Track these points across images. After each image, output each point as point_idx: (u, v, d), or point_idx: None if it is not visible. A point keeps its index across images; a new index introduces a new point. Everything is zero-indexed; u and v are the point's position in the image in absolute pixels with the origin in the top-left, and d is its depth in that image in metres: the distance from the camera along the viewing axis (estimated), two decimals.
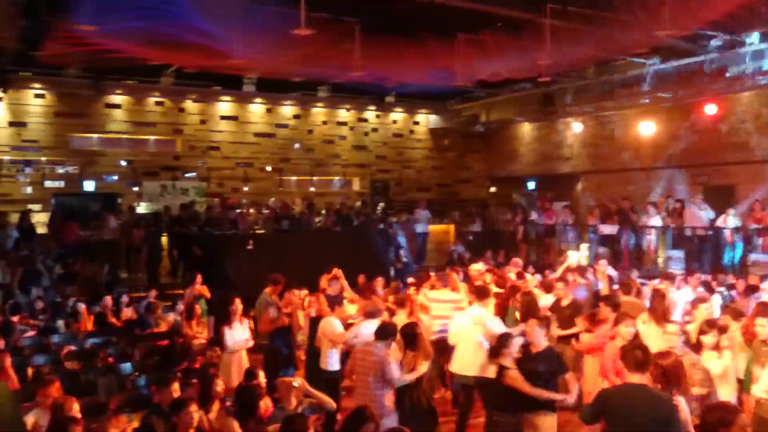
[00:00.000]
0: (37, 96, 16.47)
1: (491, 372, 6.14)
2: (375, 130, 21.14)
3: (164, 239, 14.74)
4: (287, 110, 19.73)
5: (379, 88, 17.51)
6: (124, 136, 17.61)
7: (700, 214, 14.23)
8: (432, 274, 9.89)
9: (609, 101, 16.36)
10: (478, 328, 6.99)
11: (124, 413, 5.76)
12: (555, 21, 10.65)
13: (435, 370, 8.56)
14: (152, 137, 18.04)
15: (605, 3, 10.23)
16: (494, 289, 8.92)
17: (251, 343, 8.26)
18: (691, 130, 16.30)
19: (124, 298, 11.44)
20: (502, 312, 8.42)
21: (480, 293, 7.43)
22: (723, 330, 6.31)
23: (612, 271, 11.41)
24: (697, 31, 11.96)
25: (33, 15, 9.59)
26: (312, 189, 19.89)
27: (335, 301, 8.14)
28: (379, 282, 10.62)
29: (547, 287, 9.28)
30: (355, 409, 4.91)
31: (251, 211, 16.81)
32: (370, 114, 21.01)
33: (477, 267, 10.87)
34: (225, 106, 18.87)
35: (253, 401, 5.66)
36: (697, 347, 6.09)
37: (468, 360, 6.96)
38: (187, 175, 18.12)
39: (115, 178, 17.34)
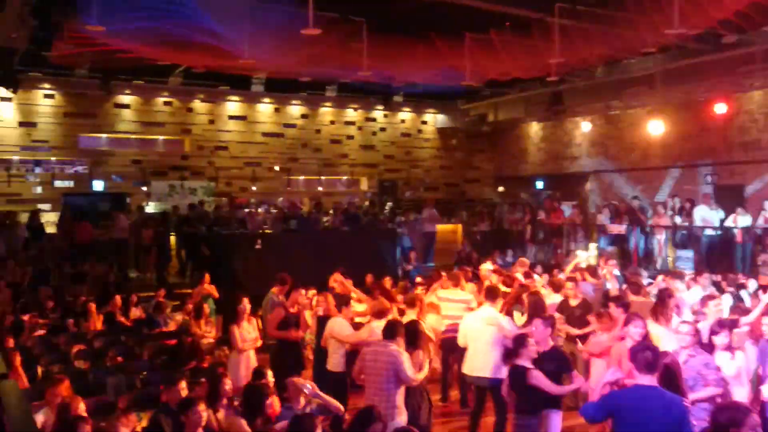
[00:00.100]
0: (46, 96, 16.56)
1: (504, 373, 6.10)
2: (383, 129, 21.13)
3: (172, 239, 14.79)
4: (295, 110, 19.76)
5: (386, 88, 17.52)
6: (133, 136, 17.70)
7: (710, 214, 14.14)
8: (443, 273, 9.85)
9: (618, 100, 16.29)
10: (491, 329, 6.94)
11: (133, 412, 5.77)
12: (564, 20, 10.62)
13: (443, 370, 8.62)
14: (161, 137, 18.11)
15: (614, 1, 10.19)
16: (502, 288, 8.88)
17: (260, 343, 8.27)
18: (700, 129, 16.20)
19: (133, 298, 11.48)
20: (508, 312, 8.38)
21: (490, 293, 7.39)
22: (734, 325, 6.26)
23: (616, 272, 11.32)
24: (707, 30, 11.88)
25: (43, 16, 9.63)
26: (320, 188, 19.92)
27: (343, 301, 8.13)
28: (387, 281, 10.61)
29: (556, 287, 9.25)
30: (362, 409, 4.90)
31: (259, 210, 16.85)
32: (378, 113, 21.01)
33: (487, 267, 10.83)
34: (233, 105, 18.92)
35: (261, 400, 5.66)
36: (709, 346, 6.04)
37: (481, 361, 6.91)
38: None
39: (124, 178, 17.41)
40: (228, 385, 6.17)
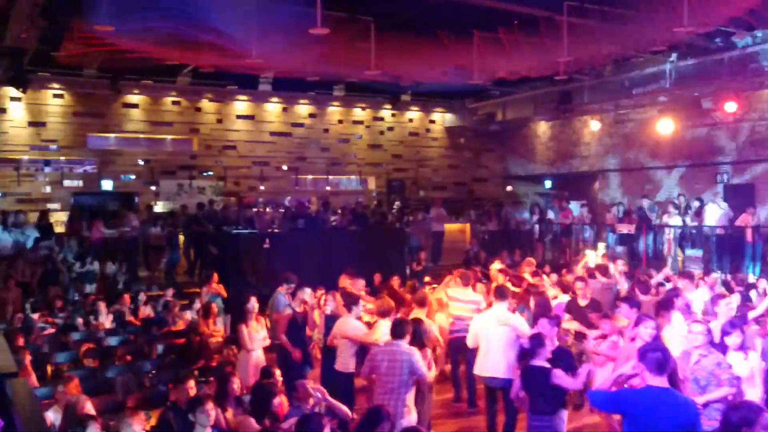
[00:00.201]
0: (55, 96, 16.63)
1: (516, 373, 6.05)
2: (391, 128, 21.11)
3: (181, 238, 14.82)
4: (303, 109, 19.77)
5: (394, 87, 17.48)
6: (142, 135, 17.75)
7: (720, 213, 14.06)
8: (455, 272, 9.81)
9: (627, 99, 16.21)
10: (505, 329, 6.89)
11: (142, 411, 5.78)
12: (573, 18, 10.57)
13: (453, 369, 8.60)
14: (169, 137, 18.15)
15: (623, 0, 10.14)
16: (511, 288, 8.85)
17: (268, 342, 8.27)
18: (710, 128, 16.11)
19: (142, 297, 11.52)
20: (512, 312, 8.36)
21: (500, 293, 7.34)
22: (744, 322, 6.21)
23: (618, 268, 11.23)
24: (718, 28, 11.80)
25: (52, 16, 9.67)
26: (328, 188, 19.92)
27: (352, 300, 8.11)
28: (395, 281, 10.60)
29: (565, 287, 9.21)
30: (370, 408, 4.89)
31: (267, 210, 16.86)
32: (386, 113, 20.99)
33: (497, 266, 10.80)
34: (241, 105, 18.94)
35: (269, 399, 5.67)
36: (721, 346, 5.99)
37: (494, 362, 6.85)
38: (204, 174, 18.23)
39: (133, 177, 17.48)
40: (236, 384, 6.19)
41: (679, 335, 6.86)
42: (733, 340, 5.90)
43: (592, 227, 16.77)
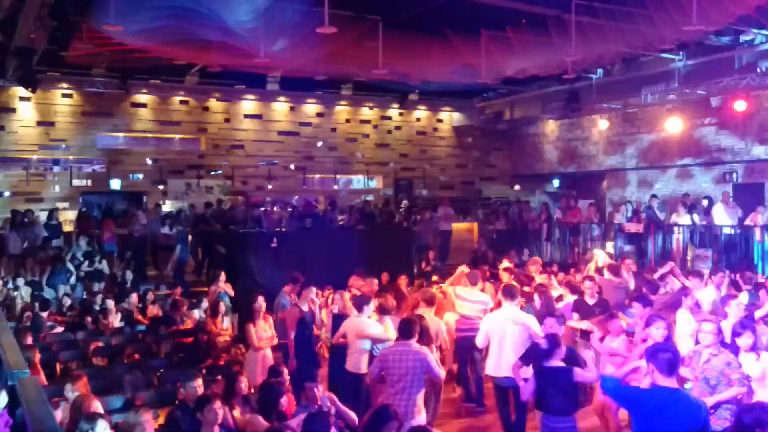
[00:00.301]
0: (64, 96, 16.70)
1: (528, 373, 5.99)
2: (398, 128, 21.09)
3: (189, 237, 14.87)
4: (310, 108, 19.77)
5: (402, 86, 17.46)
6: (150, 135, 17.81)
7: (729, 213, 13.98)
8: (465, 269, 9.77)
9: (635, 98, 16.14)
10: (518, 328, 6.82)
11: (150, 409, 5.80)
12: (580, 17, 10.53)
13: (462, 369, 8.58)
14: (177, 136, 18.21)
15: None
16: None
17: (276, 341, 8.28)
18: (719, 127, 16.02)
19: (150, 296, 11.56)
20: None
21: (509, 292, 7.24)
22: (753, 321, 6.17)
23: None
24: (727, 26, 11.74)
25: (60, 16, 9.70)
26: (335, 187, 19.93)
27: (363, 300, 8.08)
28: (403, 280, 10.59)
29: (573, 287, 9.16)
30: (378, 408, 4.89)
31: (275, 209, 16.89)
32: (394, 112, 20.97)
33: (505, 265, 10.75)
34: (249, 104, 18.97)
35: (277, 398, 5.67)
36: (732, 347, 5.94)
37: (507, 361, 6.74)
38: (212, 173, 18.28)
39: (141, 176, 17.54)
40: (244, 382, 6.19)
41: (685, 334, 6.84)
42: (744, 341, 5.83)
43: (600, 226, 16.72)
